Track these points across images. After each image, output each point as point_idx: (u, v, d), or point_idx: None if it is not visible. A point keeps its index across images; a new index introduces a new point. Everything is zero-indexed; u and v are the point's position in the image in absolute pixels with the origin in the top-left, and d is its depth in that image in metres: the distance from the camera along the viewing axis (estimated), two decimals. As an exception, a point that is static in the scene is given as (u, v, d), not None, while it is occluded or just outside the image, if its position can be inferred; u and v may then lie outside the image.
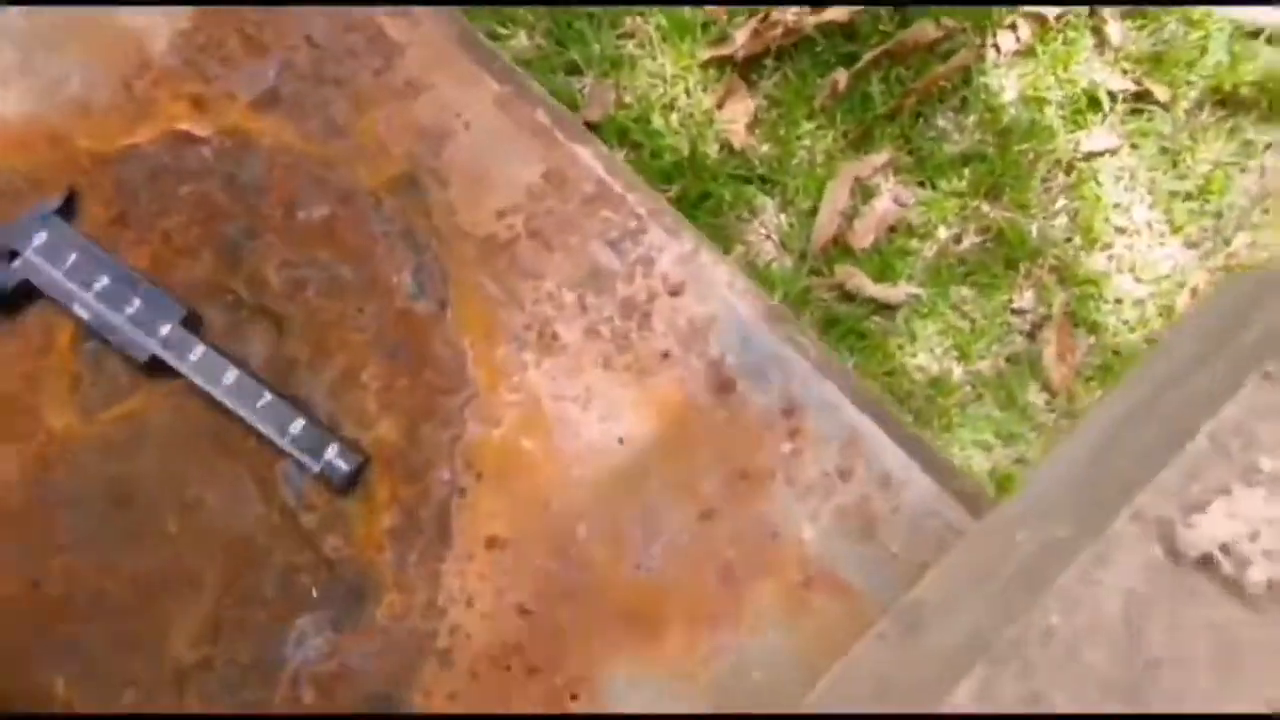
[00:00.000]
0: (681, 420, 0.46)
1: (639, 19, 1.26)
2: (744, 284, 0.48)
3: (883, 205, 1.19)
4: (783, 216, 1.22)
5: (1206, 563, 0.32)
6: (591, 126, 1.23)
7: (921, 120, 1.20)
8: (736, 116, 1.23)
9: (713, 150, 1.23)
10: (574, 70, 1.27)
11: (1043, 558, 0.34)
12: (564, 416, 0.46)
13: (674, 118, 1.24)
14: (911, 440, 0.47)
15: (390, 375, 0.46)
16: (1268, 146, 1.16)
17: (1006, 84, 1.20)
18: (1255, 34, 1.17)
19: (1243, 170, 1.16)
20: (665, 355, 0.47)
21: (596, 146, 0.51)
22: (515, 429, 0.46)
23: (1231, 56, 1.17)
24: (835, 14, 1.21)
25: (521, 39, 1.28)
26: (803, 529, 0.45)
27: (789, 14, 1.22)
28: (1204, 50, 1.17)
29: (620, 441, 0.46)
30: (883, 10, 1.22)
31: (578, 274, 0.48)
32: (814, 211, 1.20)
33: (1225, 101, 1.17)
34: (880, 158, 1.20)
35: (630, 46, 1.26)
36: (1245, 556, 0.31)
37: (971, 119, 1.20)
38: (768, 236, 1.22)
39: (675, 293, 0.48)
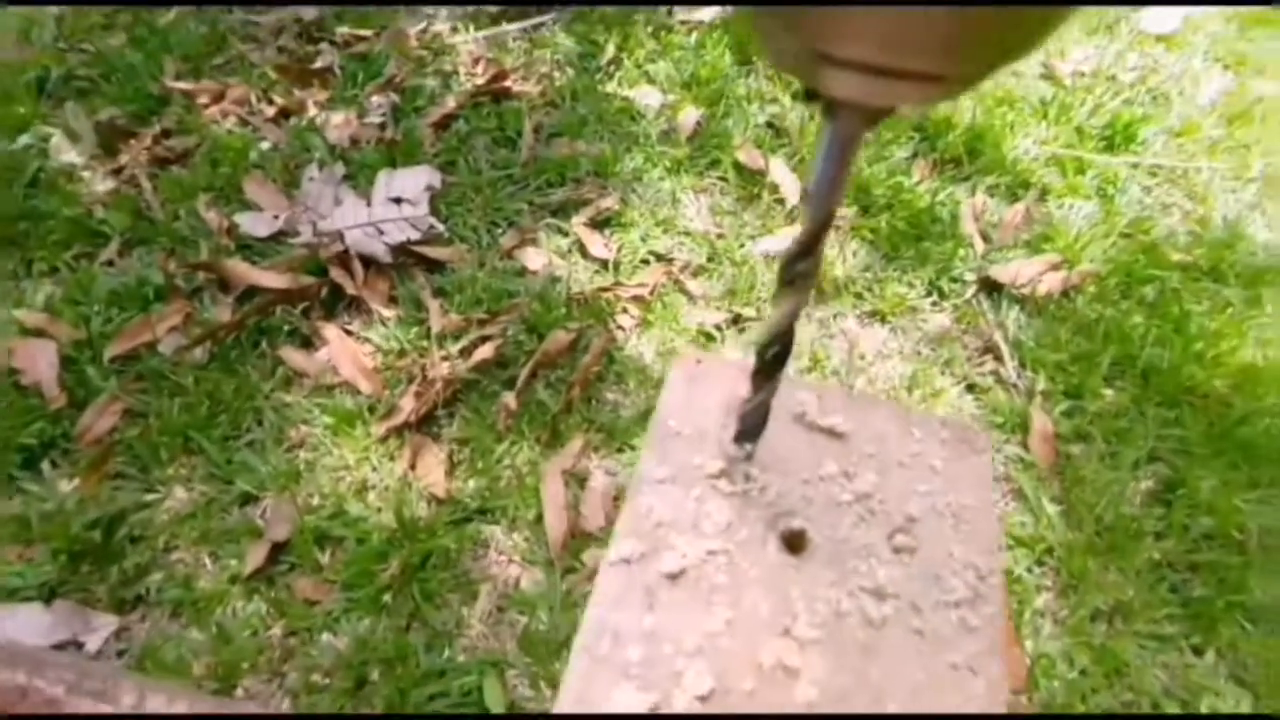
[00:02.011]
0: None
1: (303, 426, 0.99)
2: None
3: (598, 483, 0.97)
4: (514, 536, 0.93)
5: None
6: (281, 546, 0.88)
7: (594, 402, 1.04)
8: (431, 469, 0.97)
9: (421, 510, 0.94)
10: (249, 500, 0.93)
11: None
12: None
13: (370, 497, 0.94)
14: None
15: None
16: (836, 316, 1.17)
17: (643, 349, 1.10)
18: (777, 256, 1.22)
19: (831, 338, 1.14)
20: None
21: None
22: None
23: (773, 274, 1.19)
24: (483, 353, 1.05)
25: (178, 494, 0.92)
26: None
27: (443, 368, 1.03)
28: (753, 283, 1.18)
29: None
30: (522, 336, 1.08)
31: None
32: (540, 519, 0.94)
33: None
34: (575, 445, 0.99)
35: (302, 454, 0.97)
36: None
37: (632, 384, 1.06)
38: (509, 561, 0.92)
39: None
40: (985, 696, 0.29)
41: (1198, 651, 0.87)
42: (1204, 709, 0.83)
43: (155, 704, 0.28)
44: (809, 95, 0.24)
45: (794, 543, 0.33)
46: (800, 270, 0.29)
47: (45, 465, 0.91)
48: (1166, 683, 0.86)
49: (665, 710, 0.28)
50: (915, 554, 0.33)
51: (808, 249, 0.29)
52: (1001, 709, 0.29)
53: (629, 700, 0.27)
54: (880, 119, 0.24)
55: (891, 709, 0.29)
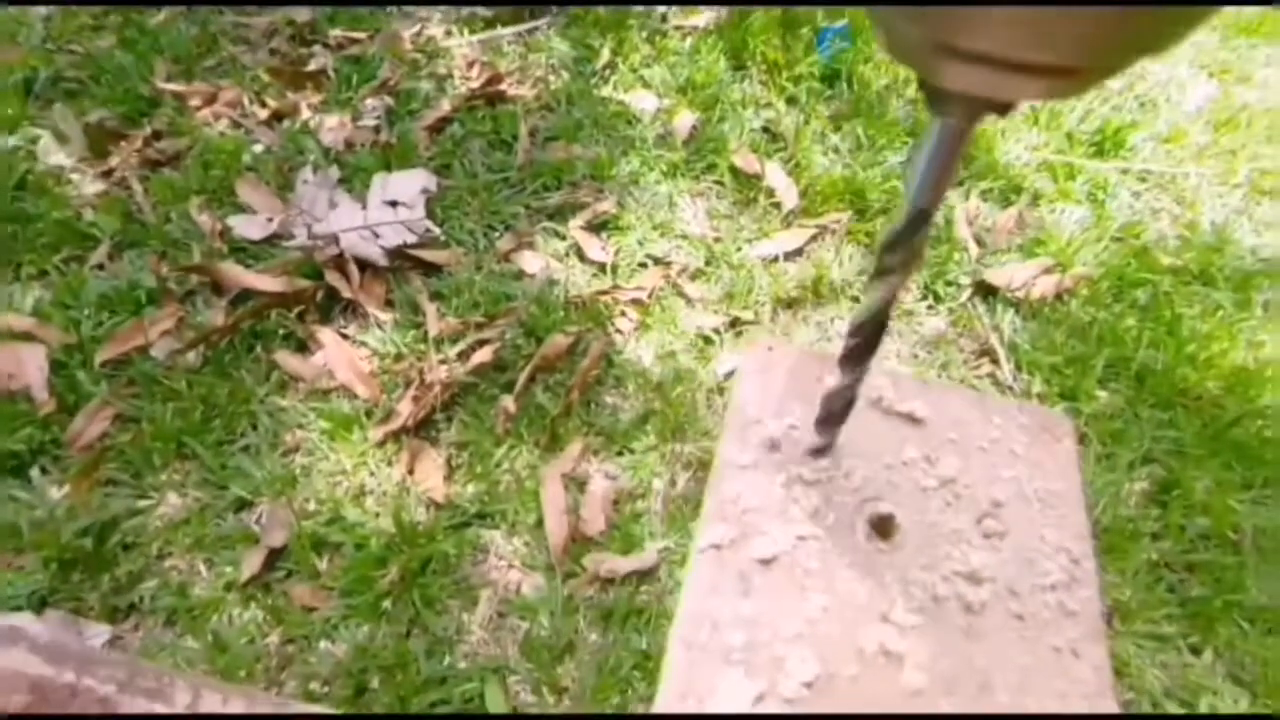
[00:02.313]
0: None
1: (299, 430, 0.98)
2: None
3: (597, 487, 0.97)
4: (514, 541, 0.93)
5: None
6: (277, 553, 0.87)
7: (593, 405, 1.04)
8: (430, 474, 0.96)
9: (420, 514, 0.93)
10: (244, 506, 0.92)
11: None
12: None
13: (368, 502, 0.94)
14: None
15: None
16: (832, 319, 1.17)
17: (641, 352, 1.09)
18: (774, 259, 1.23)
19: (829, 340, 1.15)
20: None
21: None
22: None
23: (771, 278, 1.20)
24: (481, 357, 1.05)
25: (171, 500, 0.91)
26: None
27: (440, 372, 1.03)
28: (751, 287, 1.18)
29: None
30: (520, 340, 1.08)
31: None
32: (540, 523, 0.93)
33: (792, 307, 1.18)
34: (574, 449, 0.99)
35: (298, 459, 0.96)
36: None
37: (630, 387, 1.06)
38: (509, 566, 0.91)
39: None
40: (1092, 679, 0.29)
41: (1196, 651, 0.88)
42: (1203, 708, 0.83)
43: (210, 704, 0.27)
44: (922, 87, 0.23)
45: (883, 528, 0.33)
46: (891, 263, 0.29)
47: (35, 472, 0.90)
48: (1166, 683, 0.87)
49: (771, 697, 0.27)
50: (1005, 539, 0.33)
51: (903, 238, 0.28)
52: (1109, 693, 0.29)
53: (736, 688, 0.27)
54: (996, 113, 0.23)
55: (999, 694, 0.29)
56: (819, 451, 0.35)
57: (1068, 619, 0.31)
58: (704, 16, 1.59)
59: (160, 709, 0.26)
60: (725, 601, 0.30)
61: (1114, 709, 0.29)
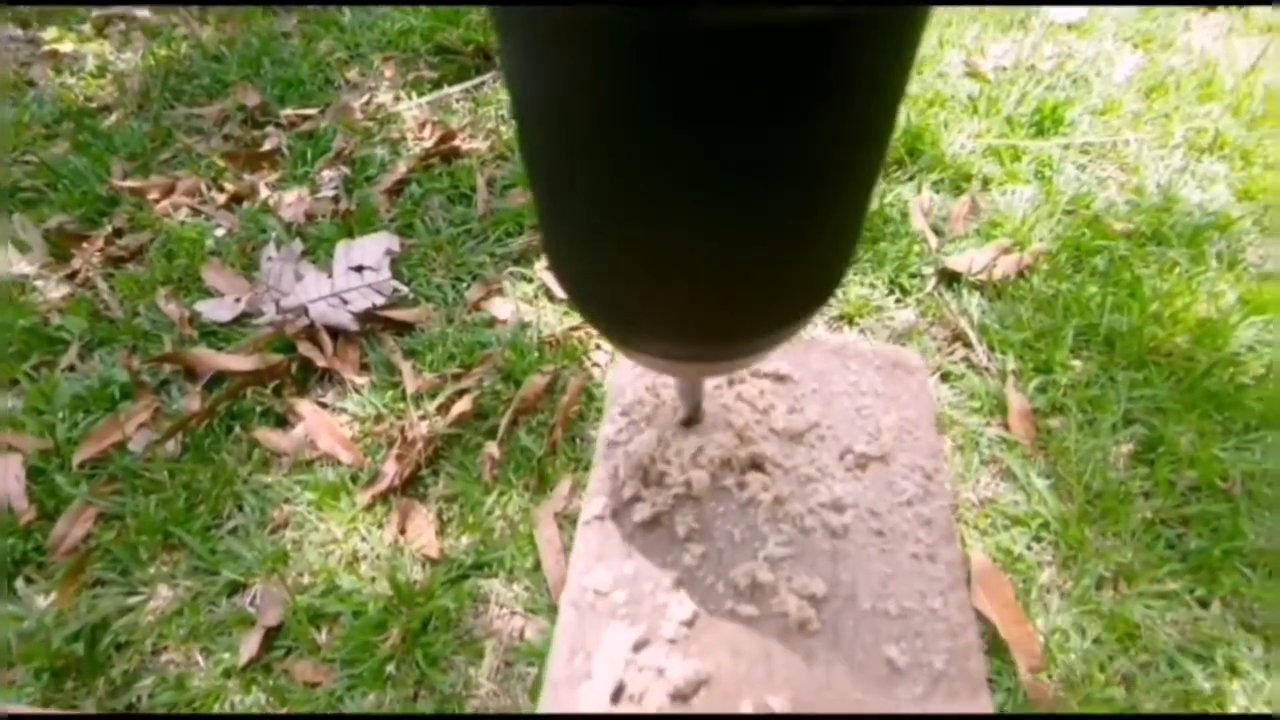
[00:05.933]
0: None
1: (286, 505, 0.97)
2: None
3: (591, 521, 0.96)
4: (514, 587, 0.92)
5: None
6: (275, 631, 0.86)
7: (578, 441, 1.04)
8: (421, 531, 0.95)
9: (415, 573, 0.92)
10: (237, 589, 0.91)
11: None
12: None
13: (362, 567, 0.92)
14: None
15: None
16: (804, 327, 1.19)
17: (618, 382, 1.10)
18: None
19: (803, 348, 1.16)
20: None
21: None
22: None
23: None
24: (461, 408, 1.05)
25: (162, 593, 0.90)
26: None
27: (422, 428, 1.03)
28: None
29: None
30: (499, 386, 1.08)
31: None
32: (537, 566, 0.92)
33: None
34: (564, 487, 0.98)
35: (288, 534, 0.95)
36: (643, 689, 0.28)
37: (611, 418, 1.06)
38: (511, 613, 0.90)
39: None
40: (946, 576, 0.32)
41: (1204, 604, 0.88)
42: (1219, 660, 0.83)
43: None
44: None
45: (754, 476, 0.36)
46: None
47: (20, 583, 0.88)
48: (1179, 639, 0.86)
49: (655, 640, 0.29)
50: (866, 469, 0.36)
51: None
52: (961, 586, 0.31)
53: (619, 636, 0.29)
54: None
55: (863, 603, 0.31)
56: (691, 421, 0.38)
57: (923, 527, 0.34)
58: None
59: None
60: (610, 564, 0.32)
61: (966, 600, 0.32)
